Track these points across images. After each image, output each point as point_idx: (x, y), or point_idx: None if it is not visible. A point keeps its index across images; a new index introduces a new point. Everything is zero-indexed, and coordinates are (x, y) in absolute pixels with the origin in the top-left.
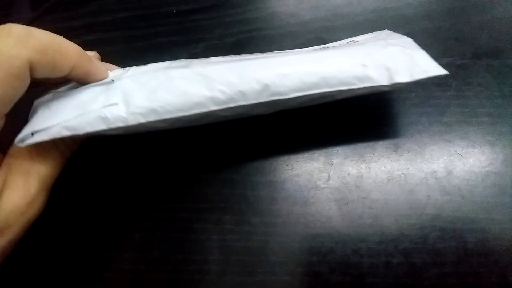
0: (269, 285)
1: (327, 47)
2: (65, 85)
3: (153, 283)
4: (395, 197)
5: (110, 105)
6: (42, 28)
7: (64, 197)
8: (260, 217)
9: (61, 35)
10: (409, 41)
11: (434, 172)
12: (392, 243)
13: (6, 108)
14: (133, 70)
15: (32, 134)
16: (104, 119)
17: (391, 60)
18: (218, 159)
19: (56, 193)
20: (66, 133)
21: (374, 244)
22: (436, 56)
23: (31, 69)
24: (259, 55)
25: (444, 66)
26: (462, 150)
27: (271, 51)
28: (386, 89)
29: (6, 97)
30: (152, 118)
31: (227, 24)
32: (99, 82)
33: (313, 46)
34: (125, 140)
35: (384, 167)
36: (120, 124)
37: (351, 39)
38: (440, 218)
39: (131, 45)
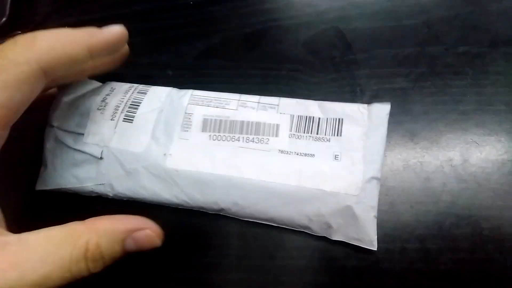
0: (287, 268)
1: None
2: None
3: (175, 263)
4: (410, 184)
5: (100, 184)
6: (60, 21)
7: None
8: None
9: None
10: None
11: (450, 160)
12: (408, 229)
13: (14, 115)
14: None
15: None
16: (96, 192)
17: (335, 218)
18: None
19: None
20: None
21: (389, 230)
22: (453, 45)
23: (46, 70)
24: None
25: (460, 54)
26: (479, 138)
27: (287, 41)
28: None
29: (13, 102)
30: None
31: (243, 15)
32: (88, 155)
33: (329, 36)
34: None
35: (400, 155)
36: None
37: (321, 104)
38: (455, 205)
39: (149, 37)
